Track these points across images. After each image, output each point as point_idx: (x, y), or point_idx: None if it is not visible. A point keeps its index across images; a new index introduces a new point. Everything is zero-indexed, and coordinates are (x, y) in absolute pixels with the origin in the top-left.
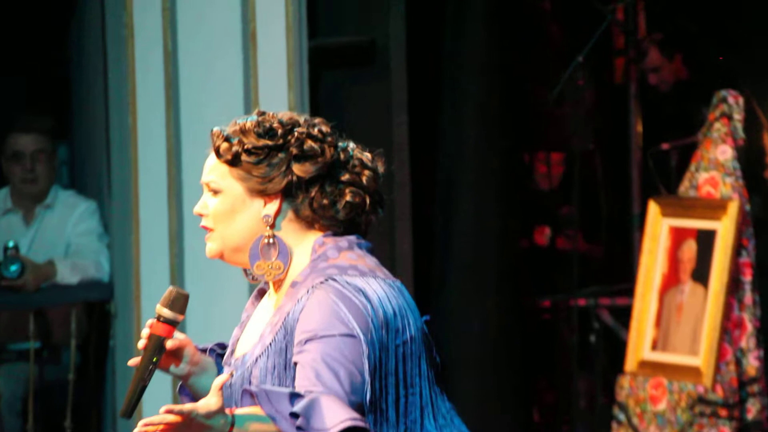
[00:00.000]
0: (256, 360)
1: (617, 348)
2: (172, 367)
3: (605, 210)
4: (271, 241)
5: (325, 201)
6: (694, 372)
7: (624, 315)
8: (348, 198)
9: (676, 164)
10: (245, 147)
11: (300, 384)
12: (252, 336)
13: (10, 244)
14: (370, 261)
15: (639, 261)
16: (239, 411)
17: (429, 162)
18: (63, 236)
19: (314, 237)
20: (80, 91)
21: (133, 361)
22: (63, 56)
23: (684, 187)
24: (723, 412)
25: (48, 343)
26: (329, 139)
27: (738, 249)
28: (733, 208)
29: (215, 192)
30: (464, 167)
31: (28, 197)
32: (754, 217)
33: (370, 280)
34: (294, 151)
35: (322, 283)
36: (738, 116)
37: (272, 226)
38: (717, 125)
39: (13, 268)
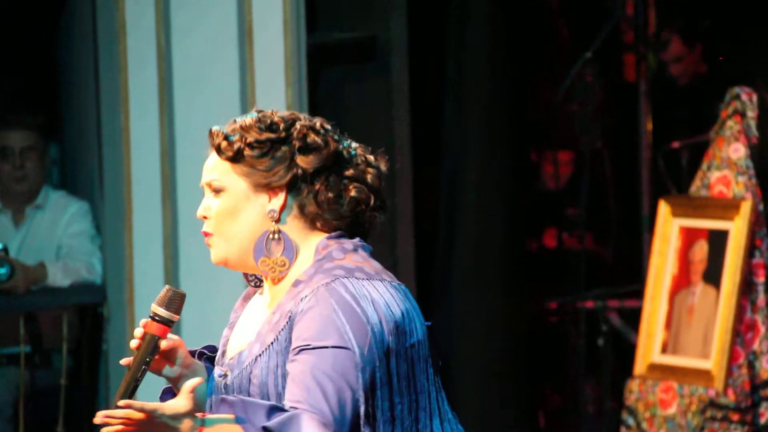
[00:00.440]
0: (256, 359)
1: (626, 351)
2: (165, 369)
3: (614, 210)
4: (276, 236)
5: (330, 194)
6: (705, 375)
7: (633, 317)
8: (353, 193)
9: (687, 163)
10: (247, 141)
11: (286, 397)
12: (245, 335)
13: None
14: (375, 264)
15: (649, 262)
16: (212, 415)
17: (432, 162)
18: (54, 238)
19: (317, 238)
20: (71, 89)
21: (126, 360)
22: (53, 54)
23: (695, 187)
24: (735, 417)
25: (39, 347)
26: (331, 133)
27: (751, 250)
28: (745, 208)
29: (217, 191)
30: (468, 167)
31: (17, 197)
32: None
33: (376, 283)
34: (297, 143)
35: (328, 283)
36: (751, 113)
37: (277, 221)
38: (730, 123)
39: (3, 270)
